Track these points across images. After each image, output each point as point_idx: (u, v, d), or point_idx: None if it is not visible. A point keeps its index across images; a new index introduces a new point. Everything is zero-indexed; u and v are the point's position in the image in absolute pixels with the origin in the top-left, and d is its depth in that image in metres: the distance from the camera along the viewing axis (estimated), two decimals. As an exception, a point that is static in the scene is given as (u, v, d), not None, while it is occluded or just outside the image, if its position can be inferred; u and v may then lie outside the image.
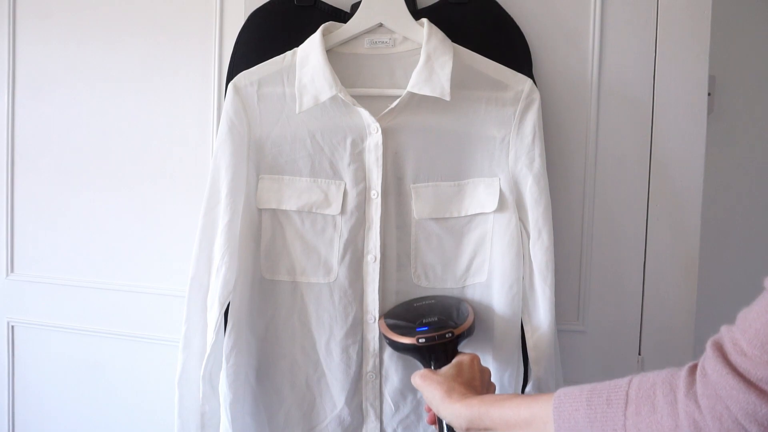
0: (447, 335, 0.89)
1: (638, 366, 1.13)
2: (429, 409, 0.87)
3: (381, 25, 0.99)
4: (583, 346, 1.13)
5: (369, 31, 0.99)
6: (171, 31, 1.22)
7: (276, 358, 1.02)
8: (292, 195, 0.99)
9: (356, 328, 0.99)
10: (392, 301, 0.99)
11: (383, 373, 1.00)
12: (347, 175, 0.98)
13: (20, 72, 1.32)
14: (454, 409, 0.73)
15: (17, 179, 1.34)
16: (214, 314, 0.96)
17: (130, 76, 1.25)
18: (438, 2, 1.06)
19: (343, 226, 0.98)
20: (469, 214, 0.98)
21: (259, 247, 1.01)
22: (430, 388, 0.79)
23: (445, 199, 0.99)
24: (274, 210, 1.00)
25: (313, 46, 0.96)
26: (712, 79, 1.19)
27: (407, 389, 1.01)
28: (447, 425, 0.81)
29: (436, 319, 0.93)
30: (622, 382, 0.57)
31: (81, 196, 1.30)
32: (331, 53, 0.97)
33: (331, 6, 1.06)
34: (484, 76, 0.97)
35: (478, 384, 0.82)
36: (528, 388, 0.97)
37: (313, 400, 1.03)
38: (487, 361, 0.99)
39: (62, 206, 1.31)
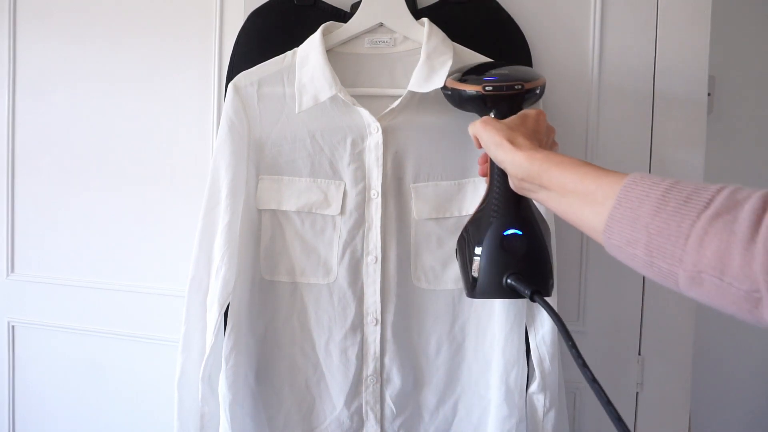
0: (516, 87, 0.83)
1: (638, 366, 1.12)
2: (482, 161, 0.84)
3: (381, 24, 0.99)
4: (583, 346, 1.11)
5: (369, 31, 0.99)
6: (171, 31, 1.22)
7: (275, 359, 1.02)
8: (292, 195, 0.99)
9: (356, 329, 0.99)
10: (392, 304, 0.99)
11: (384, 376, 1.00)
12: (347, 175, 0.98)
13: (20, 72, 1.32)
14: (514, 157, 0.69)
15: (17, 179, 1.34)
16: (214, 315, 0.96)
17: (130, 76, 1.25)
18: (438, 1, 1.06)
19: (343, 226, 0.98)
20: (470, 213, 0.98)
21: (259, 248, 1.00)
22: (491, 133, 0.74)
23: (446, 199, 0.99)
24: (273, 211, 1.00)
25: (313, 46, 0.96)
26: (712, 79, 1.19)
27: (409, 391, 1.01)
28: (498, 173, 0.79)
29: (507, 72, 0.86)
30: (713, 186, 0.50)
31: (81, 196, 1.30)
32: (332, 53, 0.97)
33: (331, 6, 1.06)
34: (485, 76, 0.97)
35: (542, 138, 0.77)
36: (532, 388, 0.97)
37: (312, 402, 1.02)
38: (493, 360, 0.99)
39: (62, 206, 1.31)
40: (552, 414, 0.97)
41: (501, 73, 0.85)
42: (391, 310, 0.99)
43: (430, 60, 0.93)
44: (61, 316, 1.33)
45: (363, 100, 0.95)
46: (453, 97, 0.89)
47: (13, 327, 1.37)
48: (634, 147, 1.10)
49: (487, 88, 0.83)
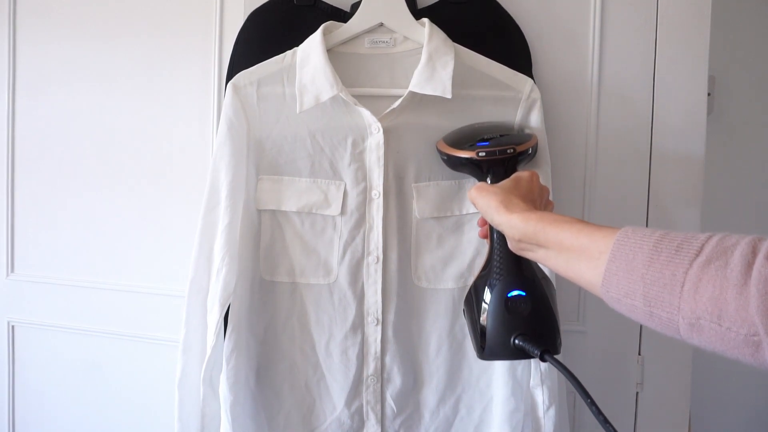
0: (509, 151, 0.87)
1: (638, 366, 1.12)
2: (482, 224, 0.87)
3: (381, 24, 0.99)
4: (583, 346, 1.13)
5: (369, 31, 0.99)
6: (171, 31, 1.22)
7: (275, 359, 1.02)
8: (292, 196, 0.99)
9: (356, 329, 0.99)
10: (393, 303, 0.99)
11: (385, 376, 1.00)
12: (347, 175, 0.98)
13: (20, 72, 1.32)
14: (510, 220, 0.71)
15: (17, 179, 1.34)
16: (215, 317, 0.96)
17: (130, 76, 1.25)
18: (438, 1, 1.06)
19: (343, 226, 0.98)
20: (470, 212, 0.99)
21: (259, 248, 1.00)
22: (486, 198, 0.76)
23: (447, 198, 0.99)
24: (273, 211, 1.00)
25: (313, 46, 0.95)
26: (712, 79, 1.19)
27: (410, 390, 1.01)
28: (498, 235, 0.80)
29: (498, 135, 0.90)
30: (702, 235, 0.51)
31: (81, 196, 1.30)
32: (332, 53, 0.97)
33: (331, 6, 1.06)
34: (485, 76, 0.97)
35: (536, 198, 0.79)
36: (532, 383, 0.97)
37: (312, 403, 1.02)
38: None
39: (62, 206, 1.31)
40: (552, 411, 0.97)
41: (493, 138, 0.90)
42: (391, 310, 0.99)
43: (432, 61, 0.93)
44: (60, 316, 1.33)
45: (363, 100, 0.95)
46: (449, 162, 0.93)
47: (13, 327, 1.37)
48: (634, 147, 1.10)
49: (480, 154, 0.88)
